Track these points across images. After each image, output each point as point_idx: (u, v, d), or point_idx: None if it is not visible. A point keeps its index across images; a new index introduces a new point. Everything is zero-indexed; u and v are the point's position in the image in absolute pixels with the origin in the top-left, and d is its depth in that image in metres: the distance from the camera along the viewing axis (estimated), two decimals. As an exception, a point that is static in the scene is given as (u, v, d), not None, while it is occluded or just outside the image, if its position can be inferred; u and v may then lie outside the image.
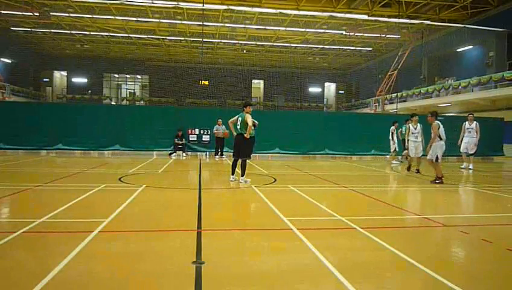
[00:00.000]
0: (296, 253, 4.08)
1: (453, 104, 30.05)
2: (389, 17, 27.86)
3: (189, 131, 18.88)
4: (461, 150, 14.20)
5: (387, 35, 31.80)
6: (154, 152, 18.61)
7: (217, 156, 17.30)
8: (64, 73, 46.41)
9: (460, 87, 28.36)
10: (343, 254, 4.04)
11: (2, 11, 26.71)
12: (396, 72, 33.92)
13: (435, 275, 3.36)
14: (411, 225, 5.65)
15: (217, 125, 17.37)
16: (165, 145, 18.53)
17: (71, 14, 28.36)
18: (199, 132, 18.96)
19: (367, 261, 3.87)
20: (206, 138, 18.93)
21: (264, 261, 3.82)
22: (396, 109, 32.67)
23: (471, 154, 14.10)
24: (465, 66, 31.14)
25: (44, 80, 44.68)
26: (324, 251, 3.93)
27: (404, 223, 5.72)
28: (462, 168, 13.95)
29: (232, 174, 9.27)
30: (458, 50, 31.55)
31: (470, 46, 30.48)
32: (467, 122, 14.12)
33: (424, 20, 27.94)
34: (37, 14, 27.23)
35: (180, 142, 18.02)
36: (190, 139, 18.88)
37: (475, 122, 13.92)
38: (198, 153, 19.12)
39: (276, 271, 3.57)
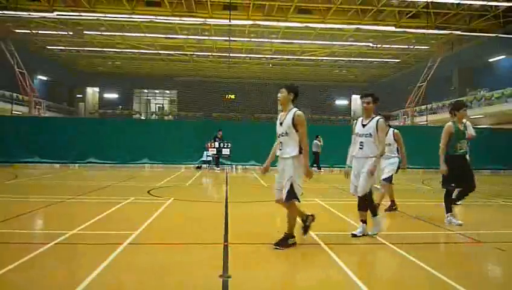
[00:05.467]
0: (324, 268, 4.01)
1: (486, 116, 29.09)
2: (417, 28, 27.40)
3: (209, 144, 18.22)
4: None
5: (416, 47, 31.21)
6: (182, 165, 18.85)
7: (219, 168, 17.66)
8: (97, 89, 47.96)
9: (493, 98, 27.47)
10: (372, 270, 3.93)
11: (40, 31, 28.04)
12: (425, 83, 33.21)
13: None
14: (444, 241, 5.46)
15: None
16: (192, 158, 18.75)
17: (103, 33, 29.42)
18: (219, 145, 18.20)
19: (397, 278, 3.75)
20: (226, 151, 18.34)
21: (291, 277, 3.77)
22: (426, 121, 31.88)
23: None
24: (498, 77, 30.14)
25: (78, 96, 46.31)
26: (353, 267, 3.84)
27: (436, 239, 5.53)
28: None
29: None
30: (490, 60, 30.65)
31: (503, 56, 29.58)
32: None
33: (454, 30, 27.34)
34: (71, 33, 28.44)
35: (217, 148, 17.88)
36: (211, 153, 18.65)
37: None
38: (224, 166, 19.24)
39: (303, 287, 3.52)
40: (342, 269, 3.81)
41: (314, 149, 17.82)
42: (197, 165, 18.44)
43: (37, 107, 31.82)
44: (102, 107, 46.50)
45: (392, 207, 7.51)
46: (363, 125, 5.39)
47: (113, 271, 3.70)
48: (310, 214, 4.97)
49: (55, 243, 4.53)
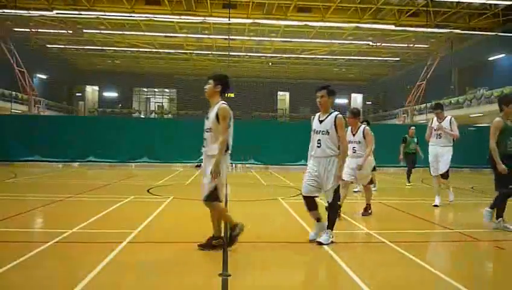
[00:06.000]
0: (324, 267, 4.02)
1: (485, 114, 29.10)
2: (416, 26, 27.38)
3: None
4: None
5: (415, 45, 31.18)
6: (182, 164, 18.85)
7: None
8: (96, 88, 47.92)
9: (493, 97, 27.46)
10: (372, 269, 3.94)
11: (39, 30, 28.00)
12: (425, 82, 33.21)
13: (469, 292, 3.23)
14: (443, 239, 5.46)
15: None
16: (192, 157, 18.75)
17: (103, 31, 29.38)
18: None
19: (397, 277, 3.76)
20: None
21: (291, 275, 3.77)
22: (426, 119, 31.90)
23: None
24: (498, 75, 30.15)
25: (77, 94, 46.28)
26: (353, 266, 3.85)
27: (435, 238, 5.54)
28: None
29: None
30: (490, 59, 30.64)
31: (503, 55, 29.56)
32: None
33: (454, 29, 27.32)
34: (71, 31, 28.40)
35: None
36: None
37: None
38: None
39: (303, 285, 3.53)
40: (341, 268, 3.82)
41: None
42: (196, 163, 18.43)
43: (37, 105, 31.79)
44: (102, 105, 46.48)
45: (368, 211, 6.87)
46: (320, 122, 4.89)
47: (112, 270, 3.70)
48: (238, 223, 4.46)
49: (55, 242, 4.53)
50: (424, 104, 33.81)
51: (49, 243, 4.45)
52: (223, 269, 3.73)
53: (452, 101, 32.11)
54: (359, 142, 6.65)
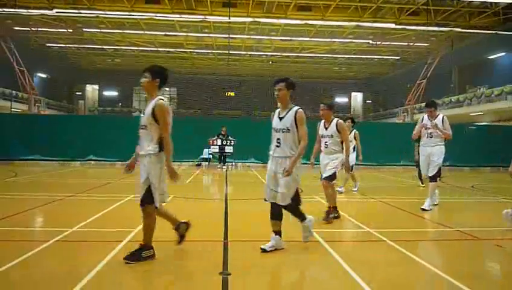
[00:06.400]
0: (324, 266, 4.02)
1: (485, 113, 29.08)
2: (417, 25, 27.36)
3: (212, 141, 18.14)
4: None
5: (416, 44, 31.15)
6: (182, 163, 18.84)
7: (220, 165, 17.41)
8: (96, 87, 47.92)
9: (493, 96, 27.45)
10: (372, 268, 3.94)
11: (39, 28, 28.00)
12: (425, 80, 33.19)
13: (469, 290, 3.23)
14: (444, 238, 5.46)
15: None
16: (192, 156, 18.74)
17: (103, 30, 29.37)
18: (221, 142, 18.02)
19: (398, 275, 3.76)
20: (229, 149, 17.99)
21: (291, 274, 3.77)
22: (426, 118, 31.83)
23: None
24: (498, 74, 30.13)
25: (77, 93, 46.29)
26: (353, 264, 3.85)
27: (436, 236, 5.54)
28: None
29: None
30: (490, 57, 30.62)
31: (503, 53, 29.54)
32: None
33: (454, 27, 27.30)
34: (71, 30, 28.40)
35: (220, 145, 17.44)
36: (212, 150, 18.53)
37: None
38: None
39: (303, 284, 3.53)
40: (341, 266, 3.82)
41: None
42: (196, 162, 18.42)
43: (37, 104, 31.82)
44: (102, 104, 46.49)
45: (329, 214, 5.98)
46: (280, 118, 4.44)
47: (113, 269, 3.70)
48: (183, 221, 4.29)
49: (56, 241, 4.54)
50: (425, 103, 33.79)
51: (49, 242, 4.45)
52: (223, 267, 3.73)
53: (452, 100, 32.11)
54: (332, 136, 6.17)
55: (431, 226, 6.10)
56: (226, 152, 17.77)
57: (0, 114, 21.48)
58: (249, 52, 35.70)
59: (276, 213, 4.42)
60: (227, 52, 31.18)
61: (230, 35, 27.77)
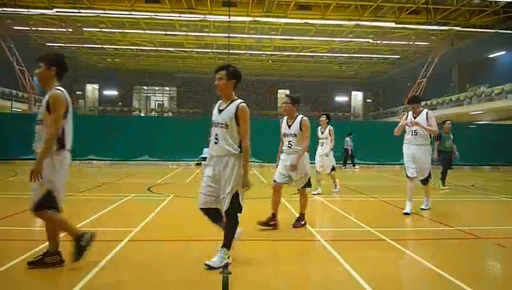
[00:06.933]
0: (324, 264, 4.02)
1: (486, 112, 29.07)
2: (417, 24, 27.34)
3: None
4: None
5: (416, 43, 31.14)
6: (182, 162, 18.86)
7: None
8: (96, 86, 47.90)
9: (493, 94, 27.44)
10: (372, 267, 3.94)
11: (39, 28, 27.98)
12: (425, 79, 33.18)
13: (468, 289, 3.23)
14: (444, 236, 5.46)
15: None
16: (192, 155, 18.76)
17: (103, 30, 29.35)
18: None
19: (398, 274, 3.76)
20: None
21: (292, 273, 3.77)
22: (426, 117, 31.81)
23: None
24: (498, 72, 30.12)
25: (77, 92, 46.27)
26: (353, 263, 3.84)
27: (436, 235, 5.54)
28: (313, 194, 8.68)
29: None
30: (490, 56, 30.62)
31: (503, 52, 29.54)
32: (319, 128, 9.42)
33: (454, 26, 27.28)
34: (71, 30, 28.38)
35: None
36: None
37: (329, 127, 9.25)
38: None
39: (304, 283, 3.52)
40: (341, 265, 3.82)
41: (345, 146, 18.82)
42: (197, 161, 18.43)
43: (37, 104, 31.81)
44: (102, 104, 46.48)
45: (301, 221, 5.53)
46: (220, 111, 3.87)
47: (113, 268, 3.71)
48: (86, 232, 3.76)
49: (56, 240, 4.53)
50: (425, 102, 33.78)
51: (49, 242, 4.44)
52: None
53: (452, 99, 32.10)
54: (295, 135, 5.42)
55: (431, 225, 6.10)
56: None
57: (0, 114, 21.47)
58: (248, 52, 35.70)
59: (215, 216, 4.00)
60: (227, 51, 31.17)
61: (230, 35, 27.76)
